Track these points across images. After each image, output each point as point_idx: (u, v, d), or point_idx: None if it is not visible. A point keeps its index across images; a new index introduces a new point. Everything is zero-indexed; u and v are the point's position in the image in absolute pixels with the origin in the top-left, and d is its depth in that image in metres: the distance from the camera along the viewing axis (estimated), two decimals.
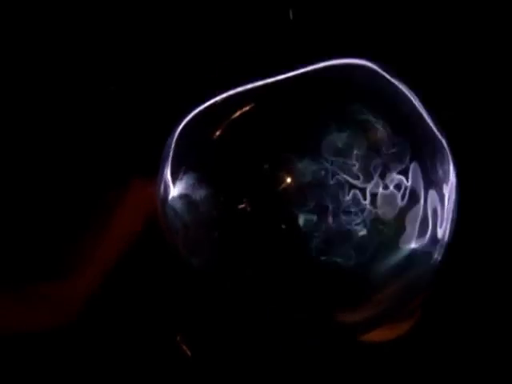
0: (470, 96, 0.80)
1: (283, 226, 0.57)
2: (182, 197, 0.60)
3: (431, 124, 0.61)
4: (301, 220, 0.57)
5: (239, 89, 0.57)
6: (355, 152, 0.57)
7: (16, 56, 0.69)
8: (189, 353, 0.75)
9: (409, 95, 0.61)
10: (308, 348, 0.74)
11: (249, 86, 0.57)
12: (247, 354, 0.75)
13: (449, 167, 0.62)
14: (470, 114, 0.79)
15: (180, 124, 0.59)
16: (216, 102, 0.58)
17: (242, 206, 0.58)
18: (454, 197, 0.62)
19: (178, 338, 0.76)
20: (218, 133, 0.59)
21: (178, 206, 0.60)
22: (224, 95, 0.57)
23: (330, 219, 0.57)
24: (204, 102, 0.58)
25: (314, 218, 0.57)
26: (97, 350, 0.75)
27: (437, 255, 0.61)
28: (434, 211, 0.60)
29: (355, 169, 0.57)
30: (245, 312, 0.64)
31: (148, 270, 0.74)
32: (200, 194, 0.59)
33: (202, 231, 0.61)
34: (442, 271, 0.67)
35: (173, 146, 0.60)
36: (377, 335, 0.75)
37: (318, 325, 0.62)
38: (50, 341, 0.71)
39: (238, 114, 0.58)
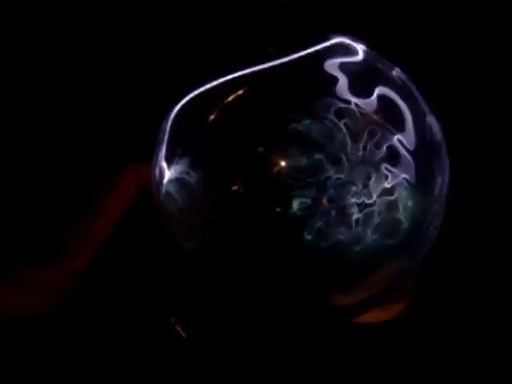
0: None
1: (278, 209, 0.57)
2: (177, 180, 0.60)
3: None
4: (295, 203, 0.57)
5: (233, 74, 0.57)
6: (347, 136, 0.57)
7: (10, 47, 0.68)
8: (183, 334, 0.76)
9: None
10: (302, 330, 0.74)
11: (242, 72, 0.57)
12: (241, 335, 0.75)
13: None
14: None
15: (174, 109, 0.59)
16: (210, 87, 0.57)
17: (236, 189, 0.58)
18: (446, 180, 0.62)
19: (173, 319, 0.76)
20: (212, 117, 0.59)
21: (173, 189, 0.60)
22: (218, 80, 0.57)
23: (325, 202, 0.57)
24: (198, 87, 0.58)
25: (309, 200, 0.57)
26: (90, 333, 0.75)
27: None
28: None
29: (348, 152, 0.58)
30: (239, 294, 0.65)
31: (142, 253, 0.74)
32: (194, 177, 0.59)
33: (197, 214, 0.61)
34: (432, 255, 0.68)
35: (167, 130, 0.59)
36: (369, 317, 0.75)
37: (313, 307, 0.62)
38: (42, 324, 0.71)
39: (231, 98, 0.58)
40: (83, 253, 0.66)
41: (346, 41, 0.59)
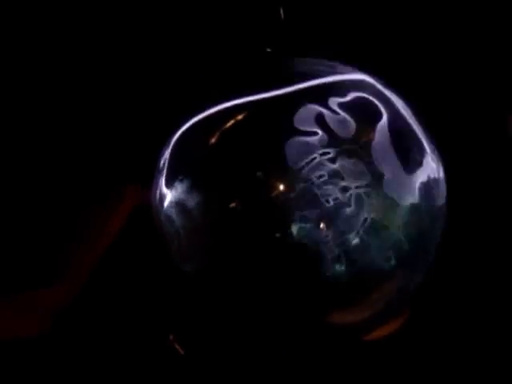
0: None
1: (277, 235, 0.58)
2: (177, 204, 0.60)
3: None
4: (294, 227, 0.58)
5: (233, 101, 0.57)
6: (341, 161, 0.58)
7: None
8: (181, 351, 0.76)
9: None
10: (303, 347, 0.75)
11: (241, 100, 0.57)
12: (239, 352, 0.76)
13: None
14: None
15: (175, 135, 0.60)
16: (210, 113, 0.58)
17: (235, 212, 0.59)
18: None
19: (171, 336, 0.77)
20: (212, 142, 0.59)
21: (173, 213, 0.61)
22: (218, 107, 0.58)
23: (323, 226, 0.58)
24: (198, 113, 0.59)
25: (308, 225, 0.57)
26: (90, 351, 0.75)
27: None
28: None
29: (346, 176, 0.58)
30: (237, 314, 0.65)
31: (141, 272, 0.75)
32: (194, 201, 0.59)
33: (196, 238, 0.61)
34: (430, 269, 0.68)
35: (168, 155, 0.60)
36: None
37: (317, 326, 0.63)
38: (42, 343, 0.71)
39: (231, 124, 0.59)
40: (83, 273, 0.66)
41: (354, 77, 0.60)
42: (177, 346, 0.76)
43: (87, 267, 0.67)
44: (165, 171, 0.60)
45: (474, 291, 0.78)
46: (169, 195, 0.60)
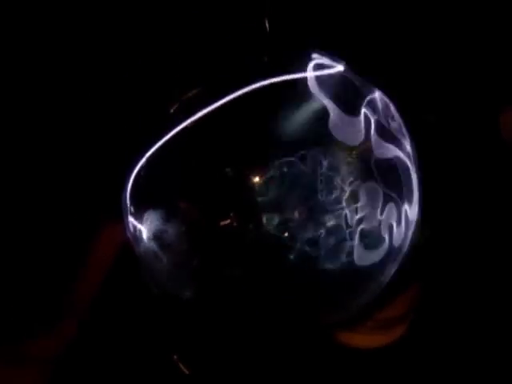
0: None
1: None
2: (153, 238, 0.58)
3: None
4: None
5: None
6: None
7: None
8: (186, 371, 0.76)
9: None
10: (301, 355, 0.74)
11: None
12: (243, 369, 0.75)
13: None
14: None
15: (134, 168, 0.56)
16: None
17: (218, 232, 0.57)
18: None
19: (175, 356, 0.76)
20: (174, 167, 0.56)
21: (152, 248, 0.59)
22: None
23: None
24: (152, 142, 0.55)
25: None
26: (96, 374, 0.75)
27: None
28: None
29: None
30: (235, 326, 0.64)
31: (134, 304, 0.74)
32: (169, 231, 0.57)
33: (181, 267, 0.60)
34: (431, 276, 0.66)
35: (129, 190, 0.57)
36: (371, 341, 0.75)
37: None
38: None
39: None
40: (74, 316, 0.65)
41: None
42: (181, 366, 0.76)
43: (80, 308, 0.65)
44: (130, 207, 0.57)
45: (477, 297, 0.76)
46: (142, 230, 0.58)
